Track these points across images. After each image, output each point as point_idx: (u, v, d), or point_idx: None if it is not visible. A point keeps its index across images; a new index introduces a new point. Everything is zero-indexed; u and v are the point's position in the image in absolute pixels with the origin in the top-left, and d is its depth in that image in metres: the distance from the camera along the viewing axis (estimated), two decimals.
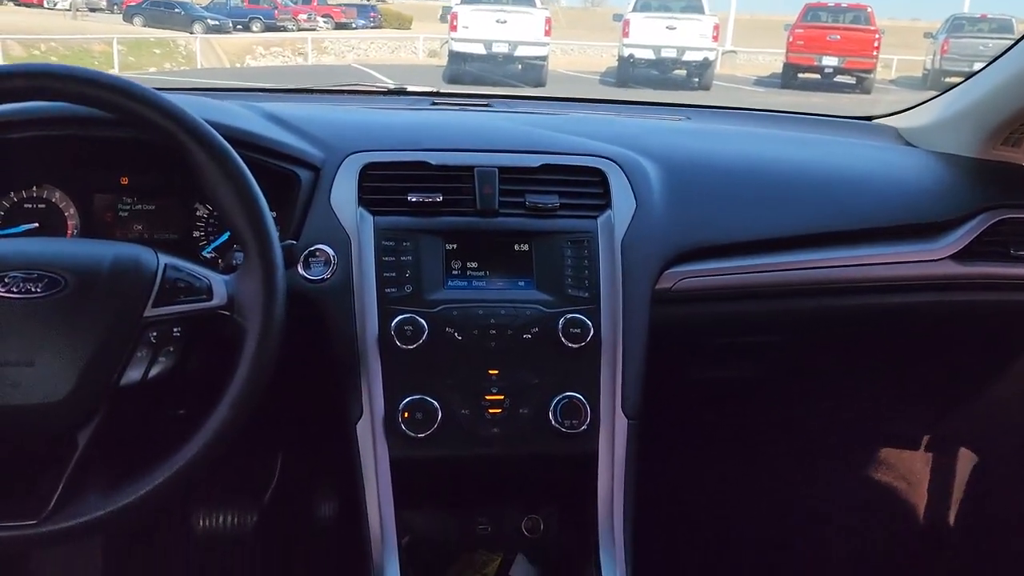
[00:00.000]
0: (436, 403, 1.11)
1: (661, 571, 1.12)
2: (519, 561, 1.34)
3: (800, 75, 15.11)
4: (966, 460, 1.67)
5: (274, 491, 1.77)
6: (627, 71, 14.14)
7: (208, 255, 1.28)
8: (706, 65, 14.09)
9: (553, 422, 1.13)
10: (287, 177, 1.19)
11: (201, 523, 1.74)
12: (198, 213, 1.30)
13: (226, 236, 1.29)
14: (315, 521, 1.76)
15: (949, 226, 1.33)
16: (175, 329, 0.90)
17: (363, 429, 1.13)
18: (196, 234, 1.30)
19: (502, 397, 1.14)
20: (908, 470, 1.76)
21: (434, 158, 1.23)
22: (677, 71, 14.48)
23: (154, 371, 0.89)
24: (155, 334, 0.89)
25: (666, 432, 1.21)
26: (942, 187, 1.39)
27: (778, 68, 16.10)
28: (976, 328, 1.36)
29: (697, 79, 14.18)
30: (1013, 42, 1.35)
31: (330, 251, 1.16)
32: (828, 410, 1.57)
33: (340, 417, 1.16)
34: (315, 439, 1.68)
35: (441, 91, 1.78)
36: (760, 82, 16.28)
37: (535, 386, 1.15)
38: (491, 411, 1.14)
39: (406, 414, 1.11)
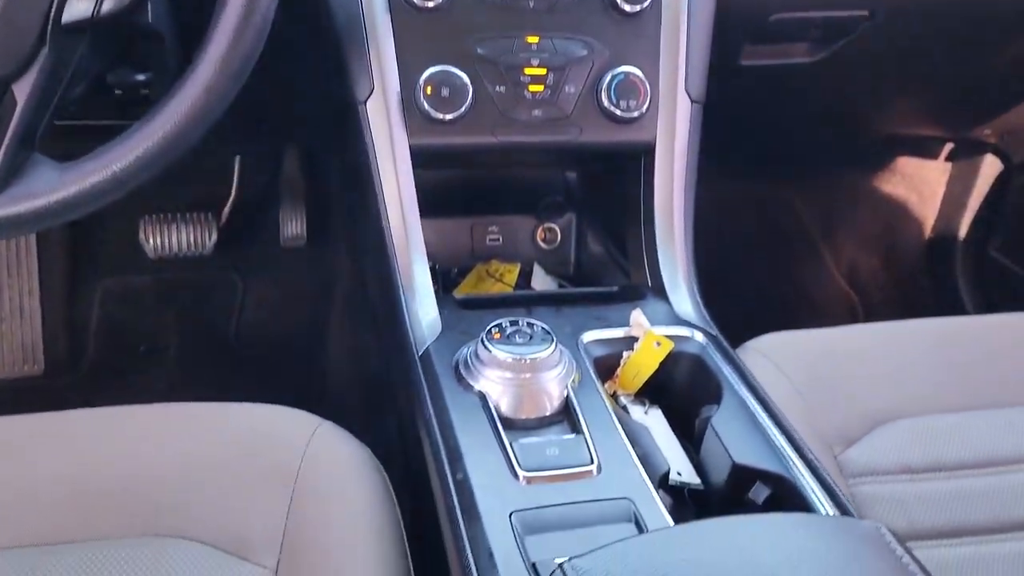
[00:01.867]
0: (465, 77, 0.89)
1: (710, 273, 0.99)
2: (538, 271, 1.21)
3: None
4: (990, 167, 1.57)
5: (233, 205, 1.56)
6: None
7: None
8: None
9: (606, 103, 0.93)
10: None
11: (151, 242, 1.53)
12: None
13: None
14: (284, 239, 1.57)
15: None
16: None
17: (375, 109, 0.90)
18: None
19: (544, 71, 0.92)
20: (923, 180, 1.67)
21: None
22: None
23: (108, 5, 0.63)
24: None
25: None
26: None
27: None
28: None
29: None
30: None
31: None
32: (866, 113, 1.42)
33: (339, 97, 0.94)
34: (281, 135, 1.43)
35: None
36: None
37: (584, 59, 0.93)
38: (531, 88, 0.92)
39: (428, 89, 0.89)
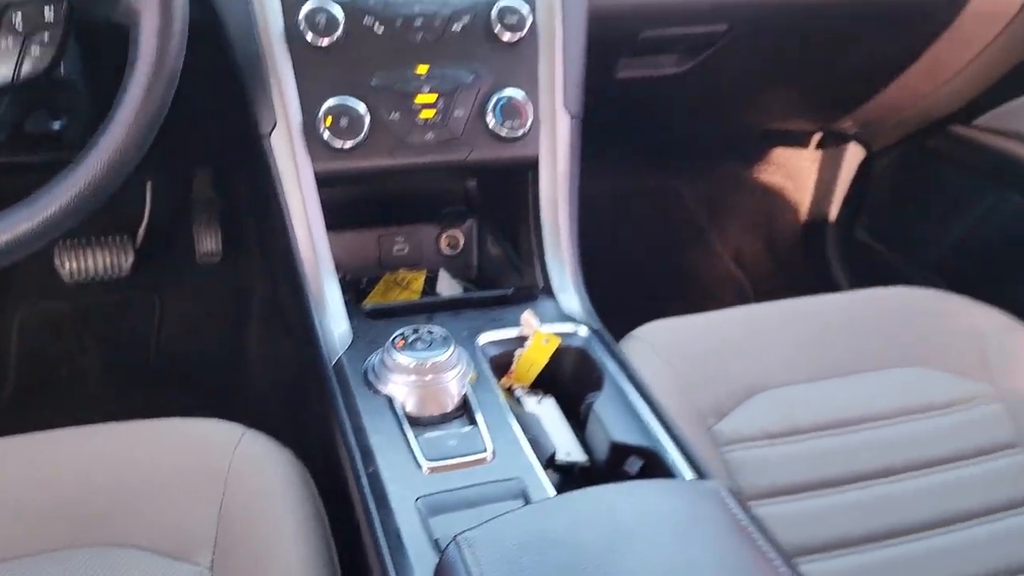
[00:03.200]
0: (362, 107, 0.98)
1: (595, 272, 1.10)
2: (443, 276, 1.30)
3: None
4: (853, 155, 1.73)
5: (147, 227, 1.60)
6: None
7: None
8: None
9: (492, 124, 1.03)
10: None
11: (67, 267, 1.56)
12: None
13: None
14: (198, 258, 1.62)
15: None
16: (46, 8, 0.69)
17: (279, 140, 0.98)
18: None
19: (435, 97, 1.01)
20: (797, 168, 1.82)
21: None
22: None
23: (26, 69, 0.70)
24: (20, 17, 0.68)
25: (589, 135, 1.14)
26: None
27: None
28: (899, 20, 1.34)
29: None
30: None
31: None
32: (739, 111, 1.55)
33: (246, 127, 1.01)
34: (192, 161, 1.49)
35: None
36: None
37: (471, 85, 1.02)
38: (424, 115, 1.01)
39: (328, 120, 0.97)
